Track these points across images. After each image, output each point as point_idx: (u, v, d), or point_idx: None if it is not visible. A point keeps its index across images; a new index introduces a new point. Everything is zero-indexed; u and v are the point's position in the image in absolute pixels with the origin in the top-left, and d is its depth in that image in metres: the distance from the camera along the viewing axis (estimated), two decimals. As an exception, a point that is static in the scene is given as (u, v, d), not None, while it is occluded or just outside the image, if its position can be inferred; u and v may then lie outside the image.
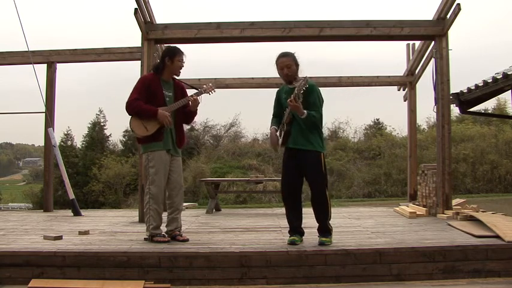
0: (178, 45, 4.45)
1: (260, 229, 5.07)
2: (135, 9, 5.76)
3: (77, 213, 6.80)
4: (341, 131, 23.23)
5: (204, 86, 4.33)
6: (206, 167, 18.78)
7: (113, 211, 8.37)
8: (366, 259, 3.63)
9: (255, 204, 13.35)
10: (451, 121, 6.33)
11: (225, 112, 46.78)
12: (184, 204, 8.32)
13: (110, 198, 21.32)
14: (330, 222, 4.01)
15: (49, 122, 7.26)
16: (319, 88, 4.05)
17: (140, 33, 5.98)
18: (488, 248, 3.69)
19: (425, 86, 6.92)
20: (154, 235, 4.15)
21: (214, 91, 4.31)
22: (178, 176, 4.32)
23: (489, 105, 18.41)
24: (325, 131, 21.29)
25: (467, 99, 6.23)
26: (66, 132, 27.79)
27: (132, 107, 4.12)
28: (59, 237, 4.37)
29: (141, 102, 4.10)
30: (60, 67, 7.69)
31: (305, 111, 3.81)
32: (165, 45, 6.01)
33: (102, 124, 28.85)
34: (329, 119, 22.82)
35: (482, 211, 5.67)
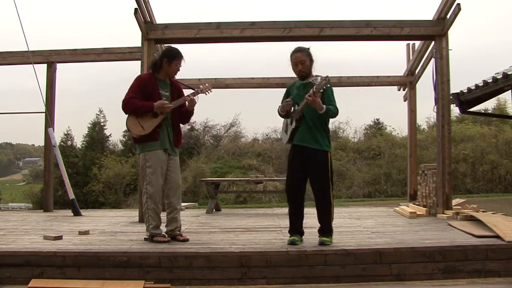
0: (179, 45, 4.45)
1: (260, 229, 5.07)
2: (135, 9, 5.76)
3: (77, 213, 6.80)
4: (341, 131, 23.27)
5: (201, 86, 4.33)
6: (206, 167, 18.79)
7: (113, 211, 8.37)
8: (366, 259, 3.63)
9: (255, 204, 13.37)
10: (451, 121, 6.33)
11: (225, 112, 46.92)
12: (184, 204, 8.33)
13: (110, 198, 21.34)
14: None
15: (49, 122, 7.26)
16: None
17: (140, 33, 5.98)
18: (488, 248, 3.68)
19: (425, 86, 6.93)
20: (154, 235, 4.15)
21: (211, 91, 4.31)
22: (176, 175, 4.31)
23: (489, 105, 18.45)
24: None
25: (467, 99, 6.24)
26: (66, 132, 27.89)
27: (128, 105, 4.13)
28: (59, 237, 4.37)
29: (136, 100, 4.10)
30: (60, 67, 7.69)
31: (324, 105, 3.80)
32: (165, 45, 6.02)
33: (102, 124, 28.92)
34: (329, 119, 22.77)
35: (482, 211, 5.67)
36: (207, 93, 4.29)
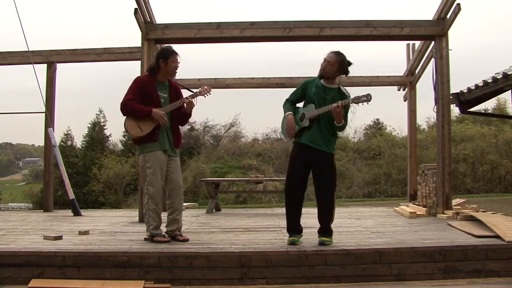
0: (179, 45, 4.45)
1: (260, 229, 5.07)
2: (135, 9, 5.76)
3: (77, 213, 6.80)
4: (341, 131, 23.16)
5: (200, 88, 4.33)
6: (206, 167, 18.78)
7: (113, 211, 8.37)
8: (366, 259, 3.63)
9: (255, 204, 13.36)
10: (451, 121, 6.33)
11: (225, 112, 46.83)
12: (184, 204, 8.31)
13: (110, 198, 21.32)
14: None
15: (49, 122, 7.26)
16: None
17: (140, 33, 5.98)
18: (488, 248, 3.69)
19: (425, 86, 6.93)
20: (154, 235, 4.15)
21: (210, 94, 4.31)
22: (177, 176, 4.31)
23: (489, 105, 18.43)
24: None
25: (467, 99, 6.24)
26: (66, 132, 27.85)
27: (126, 107, 4.13)
28: (59, 237, 4.37)
29: (135, 103, 4.11)
30: (60, 67, 7.69)
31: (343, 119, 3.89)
32: (164, 45, 6.02)
33: (102, 124, 28.89)
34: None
35: (482, 211, 5.67)
36: (206, 95, 4.29)
